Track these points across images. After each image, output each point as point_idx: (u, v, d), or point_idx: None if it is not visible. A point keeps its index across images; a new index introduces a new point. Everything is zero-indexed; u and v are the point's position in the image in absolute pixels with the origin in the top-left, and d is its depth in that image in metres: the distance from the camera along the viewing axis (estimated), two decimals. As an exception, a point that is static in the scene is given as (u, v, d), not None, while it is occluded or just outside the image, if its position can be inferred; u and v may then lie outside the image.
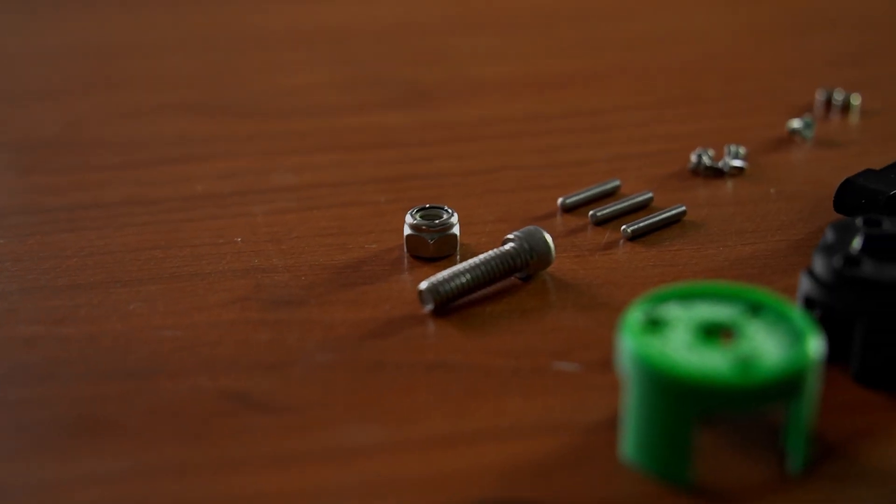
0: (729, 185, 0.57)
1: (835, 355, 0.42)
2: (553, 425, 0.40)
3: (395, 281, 0.49)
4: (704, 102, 0.67)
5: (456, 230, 0.51)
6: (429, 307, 0.46)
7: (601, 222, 0.54)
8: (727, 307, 0.39)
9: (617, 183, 0.56)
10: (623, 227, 0.52)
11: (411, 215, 0.51)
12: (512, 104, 0.67)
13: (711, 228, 0.53)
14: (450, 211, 0.51)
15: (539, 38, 0.78)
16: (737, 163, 0.58)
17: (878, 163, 0.56)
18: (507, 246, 0.48)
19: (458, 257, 0.50)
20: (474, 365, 0.43)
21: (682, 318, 0.38)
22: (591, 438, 0.40)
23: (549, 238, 0.48)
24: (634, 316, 0.38)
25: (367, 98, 0.68)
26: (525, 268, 0.48)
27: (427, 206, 0.51)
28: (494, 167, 0.59)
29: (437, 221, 0.50)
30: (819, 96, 0.66)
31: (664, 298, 0.39)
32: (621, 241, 0.52)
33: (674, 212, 0.53)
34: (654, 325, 0.38)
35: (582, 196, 0.55)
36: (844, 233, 0.44)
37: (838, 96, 0.65)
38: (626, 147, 0.61)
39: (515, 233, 0.49)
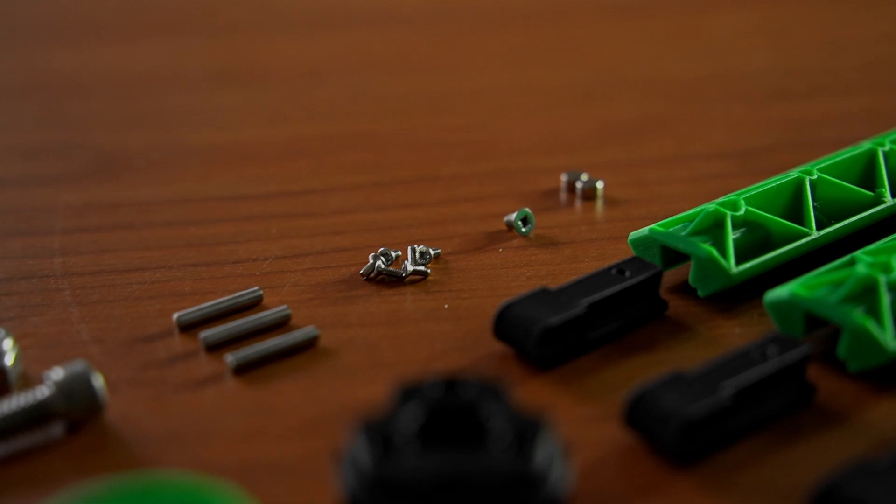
0: (406, 297, 0.48)
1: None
2: None
3: None
4: (434, 183, 0.58)
5: (6, 360, 0.41)
6: (-87, 472, 0.37)
7: (213, 347, 0.44)
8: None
9: (258, 293, 0.47)
10: (228, 356, 0.43)
11: (-47, 341, 0.41)
12: (212, 180, 0.58)
13: (344, 359, 0.44)
14: (2, 333, 0.42)
15: (293, 96, 0.68)
16: (419, 268, 0.49)
17: (587, 268, 0.47)
18: (39, 389, 0.39)
19: (13, 392, 0.41)
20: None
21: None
22: None
23: (95, 380, 0.39)
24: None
25: (44, 170, 0.59)
26: (64, 417, 0.39)
27: (-19, 327, 0.42)
28: (133, 266, 0.50)
29: (-22, 351, 0.41)
30: (564, 179, 0.56)
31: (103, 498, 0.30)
32: (228, 374, 0.43)
33: (302, 336, 0.44)
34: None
35: (204, 311, 0.46)
36: (411, 399, 0.34)
37: (585, 179, 0.56)
38: (307, 241, 0.52)
39: (55, 370, 0.39)
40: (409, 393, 0.34)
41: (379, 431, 0.33)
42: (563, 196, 0.56)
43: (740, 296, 0.46)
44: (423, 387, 0.34)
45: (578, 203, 0.55)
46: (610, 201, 0.55)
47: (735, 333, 0.45)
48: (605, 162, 0.59)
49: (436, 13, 0.82)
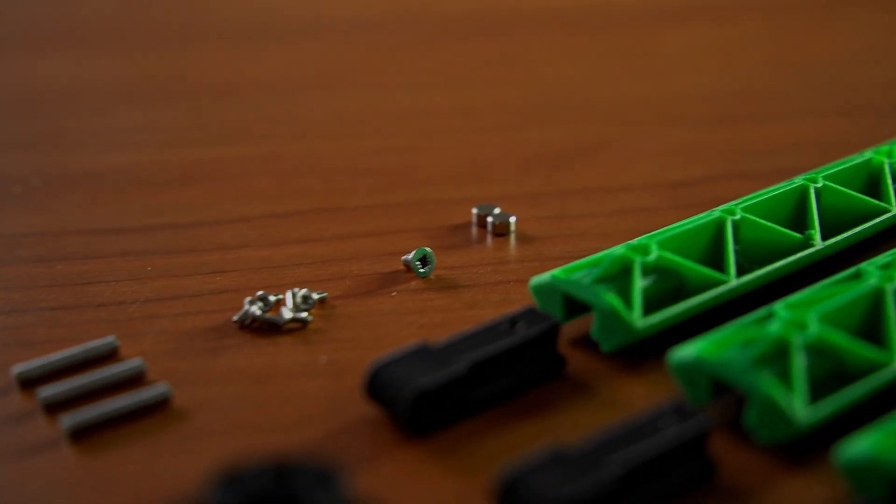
0: (282, 348, 0.43)
1: None
2: None
3: None
4: (336, 215, 0.53)
5: None
6: None
7: (54, 407, 0.39)
8: None
9: (112, 343, 0.42)
10: (65, 417, 0.38)
11: None
12: (95, 210, 0.53)
13: (199, 422, 0.39)
14: None
15: (199, 116, 0.64)
16: (299, 315, 0.44)
17: (487, 315, 0.43)
18: None
19: None
20: None
21: None
22: None
23: None
24: None
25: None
26: None
27: None
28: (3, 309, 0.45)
29: None
30: (475, 213, 0.52)
31: None
32: (63, 439, 0.38)
33: (151, 396, 0.39)
34: None
35: (50, 364, 0.41)
36: (232, 489, 0.29)
37: (496, 213, 0.51)
38: (184, 282, 0.47)
39: None
40: (230, 481, 0.29)
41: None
42: (474, 232, 0.51)
43: (647, 351, 0.42)
44: (247, 474, 0.29)
45: (489, 240, 0.51)
46: (524, 238, 0.50)
47: (639, 394, 0.40)
48: (525, 193, 0.54)
49: (363, 26, 0.78)
